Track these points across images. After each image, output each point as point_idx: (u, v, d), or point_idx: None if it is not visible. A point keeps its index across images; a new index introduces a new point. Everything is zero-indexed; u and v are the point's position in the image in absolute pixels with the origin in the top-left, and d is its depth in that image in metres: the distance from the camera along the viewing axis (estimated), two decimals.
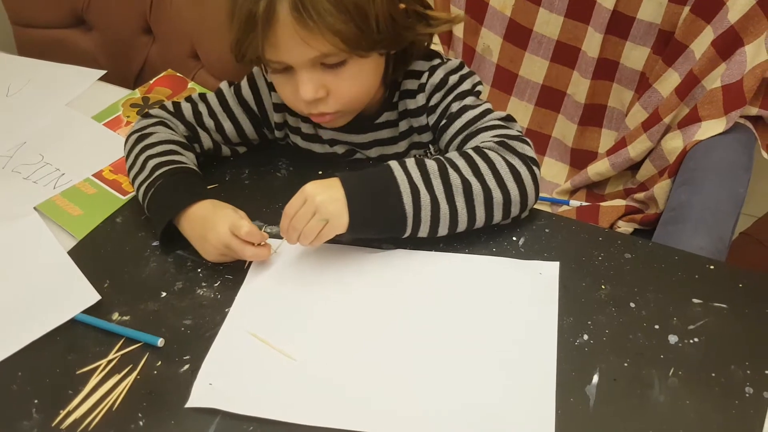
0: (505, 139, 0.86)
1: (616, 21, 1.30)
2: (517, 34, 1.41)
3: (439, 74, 0.93)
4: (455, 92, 0.93)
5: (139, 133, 0.94)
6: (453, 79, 0.93)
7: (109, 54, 1.52)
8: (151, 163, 0.90)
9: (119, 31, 1.50)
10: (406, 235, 0.84)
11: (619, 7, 1.28)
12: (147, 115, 0.98)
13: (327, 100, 0.86)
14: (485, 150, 0.85)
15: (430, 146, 1.00)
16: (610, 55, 1.35)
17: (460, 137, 0.90)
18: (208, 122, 0.98)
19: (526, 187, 0.85)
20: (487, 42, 1.45)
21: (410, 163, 0.83)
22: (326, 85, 0.85)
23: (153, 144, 0.92)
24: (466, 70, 0.95)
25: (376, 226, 0.83)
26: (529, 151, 0.87)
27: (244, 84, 0.99)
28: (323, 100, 0.86)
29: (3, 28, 1.58)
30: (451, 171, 0.83)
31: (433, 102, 0.94)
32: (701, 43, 1.21)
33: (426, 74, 0.93)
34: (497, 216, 0.85)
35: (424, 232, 0.84)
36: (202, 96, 1.00)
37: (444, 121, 0.93)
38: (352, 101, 0.89)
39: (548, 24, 1.37)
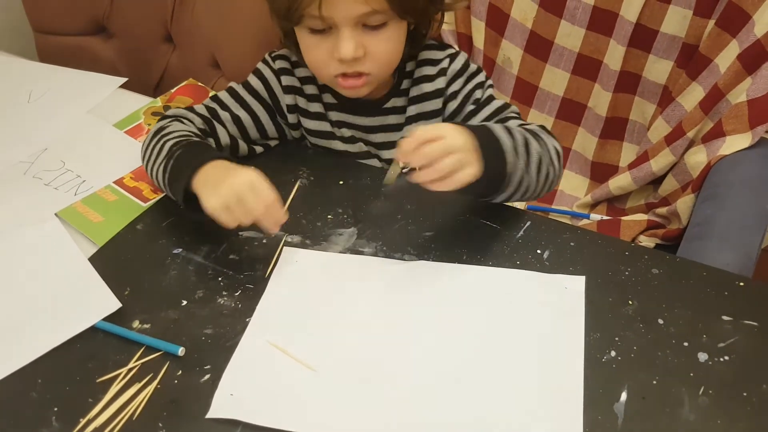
0: (538, 127, 0.92)
1: (639, 34, 1.29)
2: (538, 46, 1.41)
3: (460, 60, 0.98)
4: (475, 80, 0.98)
5: (155, 130, 0.96)
6: (472, 67, 0.99)
7: (129, 62, 1.52)
8: (168, 144, 0.91)
9: (140, 39, 1.50)
10: (494, 198, 0.88)
11: (642, 19, 1.27)
12: (162, 117, 0.99)
13: (364, 60, 0.89)
14: (537, 132, 0.90)
15: None
16: (633, 68, 1.34)
17: (492, 122, 0.94)
18: (223, 114, 0.99)
19: (558, 169, 0.91)
20: (507, 53, 1.45)
21: (500, 129, 0.85)
22: (365, 45, 0.88)
23: (170, 133, 0.93)
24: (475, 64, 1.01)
25: (488, 185, 0.84)
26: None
27: (251, 77, 1.02)
28: (360, 60, 0.88)
29: (25, 35, 1.59)
30: (532, 142, 0.87)
31: (454, 88, 0.98)
32: (726, 57, 1.20)
33: (447, 60, 0.98)
34: (544, 190, 0.91)
35: (502, 197, 0.88)
36: (213, 96, 1.03)
37: (471, 107, 0.97)
38: (386, 64, 0.92)
39: (570, 36, 1.37)
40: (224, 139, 0.99)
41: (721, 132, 1.19)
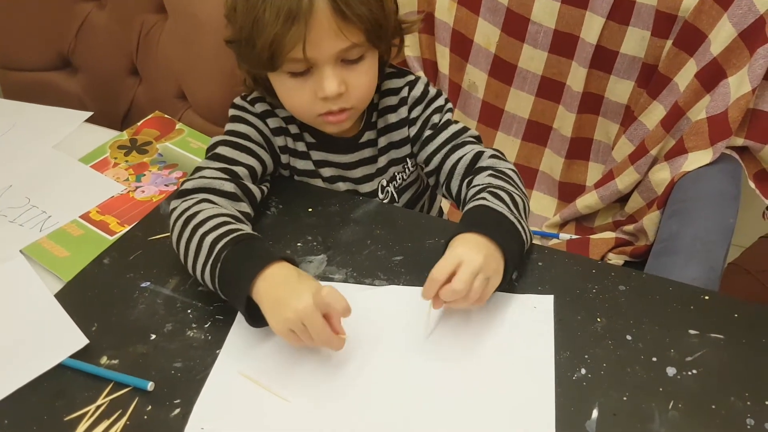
0: (497, 154, 0.95)
1: (599, 55, 1.31)
2: (502, 70, 1.43)
3: (419, 87, 1.00)
4: (434, 105, 1.00)
5: (181, 214, 0.88)
6: (431, 92, 1.01)
7: (95, 96, 1.52)
8: (208, 239, 0.82)
9: (105, 73, 1.50)
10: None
11: (602, 41, 1.30)
12: (181, 193, 0.91)
13: (346, 95, 0.90)
14: (503, 169, 0.92)
15: (408, 160, 1.05)
16: (595, 89, 1.36)
17: (448, 147, 0.97)
18: (241, 171, 0.94)
19: (526, 195, 0.93)
20: (472, 78, 1.47)
21: (492, 199, 0.86)
22: (346, 81, 0.88)
23: (202, 222, 0.85)
24: (435, 88, 1.03)
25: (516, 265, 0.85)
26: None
27: (236, 125, 0.97)
28: (343, 96, 0.89)
29: None
30: (516, 197, 0.88)
31: (414, 114, 1.00)
32: (685, 76, 1.23)
33: (406, 89, 1.00)
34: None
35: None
36: (214, 155, 0.94)
37: (428, 132, 0.99)
38: (366, 96, 0.94)
39: (533, 59, 1.39)
40: (250, 195, 0.95)
41: (683, 149, 1.22)
